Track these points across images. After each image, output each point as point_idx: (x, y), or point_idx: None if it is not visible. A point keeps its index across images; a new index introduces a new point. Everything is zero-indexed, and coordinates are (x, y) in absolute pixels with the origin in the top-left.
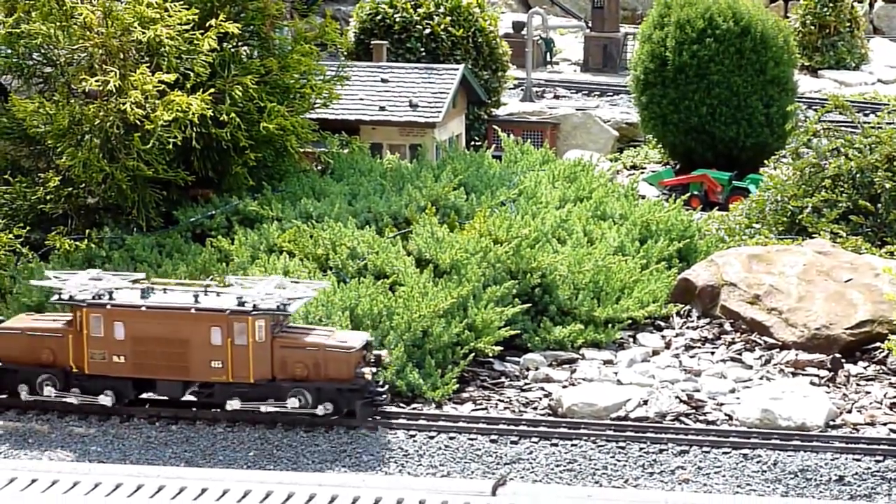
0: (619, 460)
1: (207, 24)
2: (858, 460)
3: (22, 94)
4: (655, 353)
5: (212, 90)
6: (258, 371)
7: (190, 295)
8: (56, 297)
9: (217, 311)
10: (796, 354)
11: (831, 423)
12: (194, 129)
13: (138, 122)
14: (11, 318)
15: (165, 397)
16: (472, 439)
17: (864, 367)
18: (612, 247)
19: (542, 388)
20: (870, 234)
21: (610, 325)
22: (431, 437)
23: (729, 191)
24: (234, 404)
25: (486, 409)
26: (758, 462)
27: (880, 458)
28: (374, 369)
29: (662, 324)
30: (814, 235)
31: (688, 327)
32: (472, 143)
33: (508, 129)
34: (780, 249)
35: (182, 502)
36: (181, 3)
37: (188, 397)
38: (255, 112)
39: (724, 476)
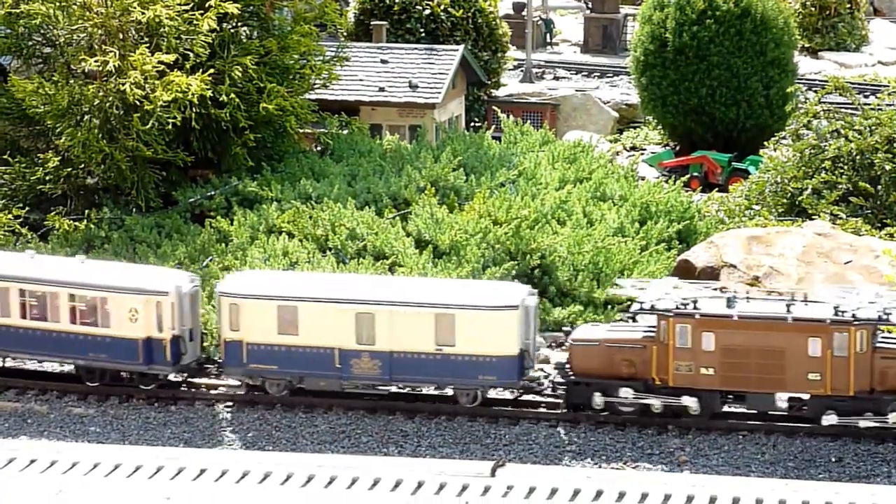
0: (618, 442)
1: (207, 5)
2: (857, 442)
3: (21, 74)
4: None
5: (211, 71)
6: (858, 383)
7: (779, 304)
8: (637, 305)
9: (816, 322)
10: None
11: None
12: (194, 109)
13: (138, 103)
14: (579, 327)
15: (755, 411)
16: (471, 420)
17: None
18: (611, 228)
19: (542, 370)
20: (870, 215)
21: (609, 307)
22: (430, 418)
23: (728, 172)
24: (830, 419)
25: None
26: (757, 444)
27: (879, 440)
28: None
29: None
30: (813, 217)
31: None
32: (472, 124)
33: (508, 110)
34: (780, 231)
35: (180, 483)
36: None
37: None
38: (255, 93)
39: (723, 458)
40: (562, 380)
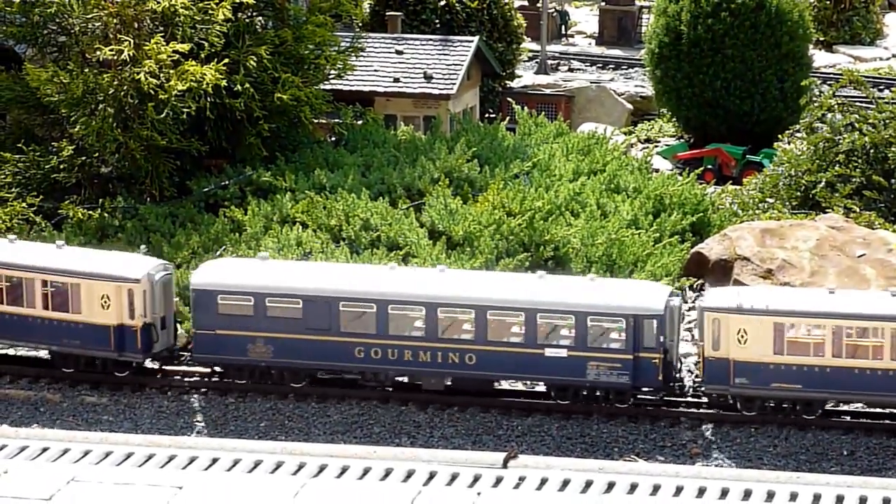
0: (630, 434)
1: None
2: (870, 435)
3: (36, 62)
4: None
5: (226, 60)
6: None
7: None
8: None
9: None
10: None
11: None
12: (208, 99)
13: (152, 92)
14: None
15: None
16: (483, 412)
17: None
18: (625, 220)
19: None
20: (883, 209)
21: None
22: (443, 409)
23: (742, 165)
24: None
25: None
26: (769, 437)
27: (891, 433)
28: None
29: None
30: (827, 210)
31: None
32: (487, 115)
33: (523, 102)
34: (794, 224)
35: (192, 472)
36: None
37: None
38: (270, 83)
39: (735, 450)
40: None
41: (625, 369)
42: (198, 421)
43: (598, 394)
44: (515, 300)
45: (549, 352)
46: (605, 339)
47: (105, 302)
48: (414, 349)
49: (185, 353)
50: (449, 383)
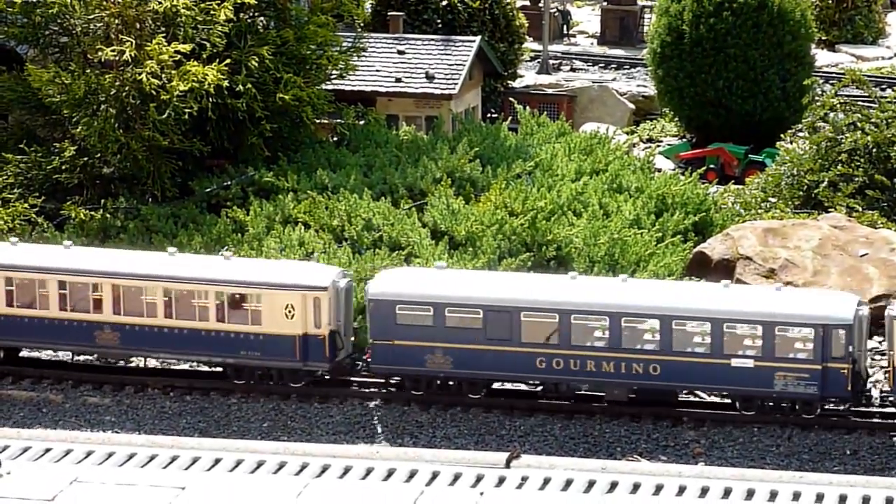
0: (633, 434)
1: None
2: (872, 435)
3: (38, 63)
4: None
5: (228, 61)
6: None
7: None
8: None
9: None
10: None
11: None
12: (210, 99)
13: (154, 93)
14: None
15: None
16: (486, 411)
17: (879, 342)
18: (627, 220)
19: None
20: (886, 208)
21: None
22: (445, 409)
23: (745, 164)
24: None
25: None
26: (772, 436)
27: (894, 432)
28: None
29: None
30: (829, 210)
31: None
32: (489, 115)
33: (525, 102)
34: (796, 223)
35: (195, 473)
36: None
37: None
38: (272, 83)
39: (738, 450)
40: None
41: (813, 380)
42: (200, 422)
43: (784, 405)
44: (701, 309)
45: (735, 362)
46: (792, 348)
47: (289, 311)
48: (597, 359)
49: (359, 362)
50: (632, 395)
